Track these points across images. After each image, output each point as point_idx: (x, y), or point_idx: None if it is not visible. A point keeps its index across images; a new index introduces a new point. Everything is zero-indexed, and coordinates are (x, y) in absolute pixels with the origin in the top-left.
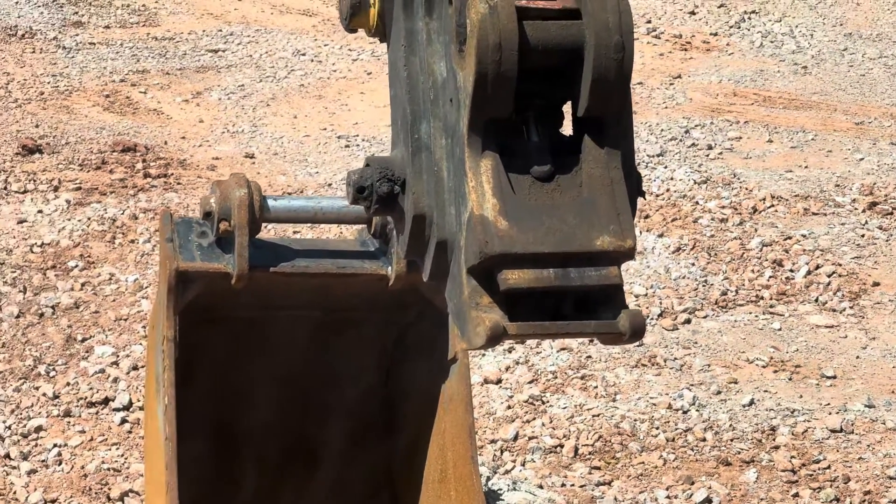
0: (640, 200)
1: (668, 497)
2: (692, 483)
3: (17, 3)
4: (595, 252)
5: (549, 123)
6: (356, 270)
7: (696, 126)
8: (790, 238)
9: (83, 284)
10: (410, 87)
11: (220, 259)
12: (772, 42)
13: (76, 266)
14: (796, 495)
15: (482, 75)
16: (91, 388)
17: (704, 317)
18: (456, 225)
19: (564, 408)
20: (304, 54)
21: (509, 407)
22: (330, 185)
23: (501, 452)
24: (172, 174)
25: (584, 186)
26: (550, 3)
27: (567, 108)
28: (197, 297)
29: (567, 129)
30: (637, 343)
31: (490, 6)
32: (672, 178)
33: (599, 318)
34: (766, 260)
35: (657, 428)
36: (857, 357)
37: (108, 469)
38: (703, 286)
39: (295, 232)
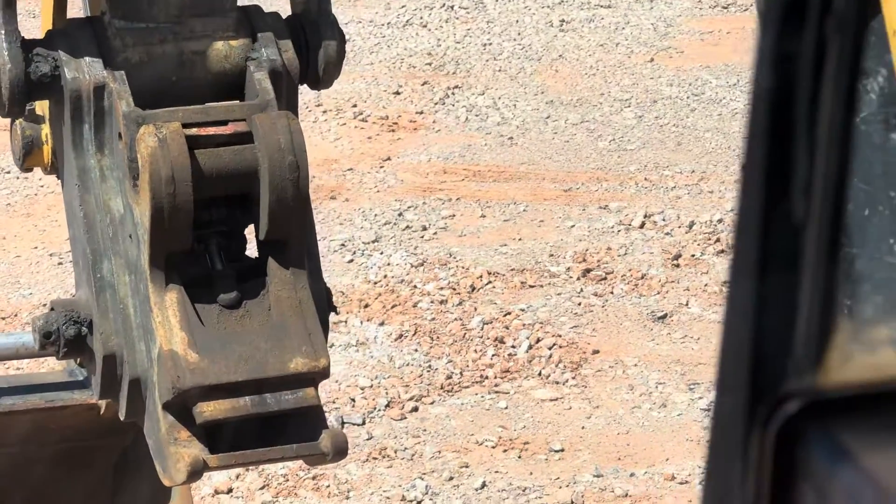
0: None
1: None
2: None
3: None
4: (290, 375)
5: (233, 250)
6: (65, 402)
7: (408, 208)
8: (509, 313)
9: None
10: (88, 226)
11: None
12: (477, 115)
13: None
14: None
15: (158, 210)
16: None
17: (431, 403)
18: (147, 361)
19: None
20: (8, 172)
21: None
22: (44, 305)
23: None
24: None
25: (273, 310)
26: (221, 129)
27: (250, 231)
28: None
29: (252, 250)
30: (366, 438)
31: (160, 139)
32: (389, 264)
33: (300, 441)
34: (488, 338)
35: None
36: (583, 427)
37: None
38: (428, 371)
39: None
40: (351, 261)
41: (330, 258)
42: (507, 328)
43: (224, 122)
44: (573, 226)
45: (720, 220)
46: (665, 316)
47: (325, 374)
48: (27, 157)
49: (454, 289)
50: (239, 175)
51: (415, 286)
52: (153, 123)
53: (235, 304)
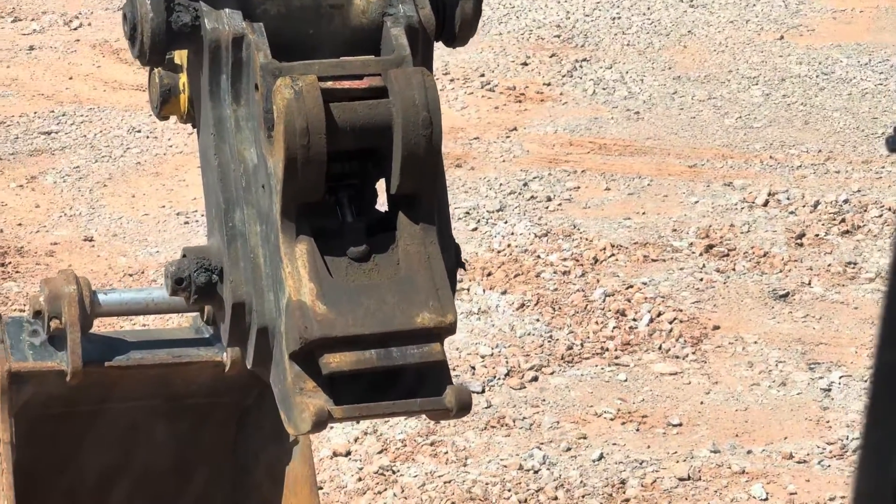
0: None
1: None
2: None
3: None
4: (416, 330)
5: (363, 202)
6: (192, 358)
7: (534, 178)
8: (631, 287)
9: None
10: (222, 175)
11: (53, 357)
12: (604, 89)
13: None
14: None
15: (291, 161)
16: None
17: (551, 373)
18: (275, 311)
19: (415, 476)
20: (139, 131)
21: (360, 479)
22: None
23: None
24: (10, 263)
25: (402, 264)
26: (356, 83)
27: (381, 185)
28: (33, 396)
29: (382, 204)
30: (485, 406)
31: (295, 91)
32: (513, 233)
33: (425, 396)
34: (610, 310)
35: (509, 490)
36: (702, 403)
37: None
38: (549, 342)
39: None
40: (475, 229)
41: (454, 226)
42: (629, 301)
43: (359, 77)
44: (697, 201)
45: (846, 201)
46: (787, 294)
47: (451, 329)
48: (164, 105)
49: (577, 260)
50: (372, 129)
51: (538, 256)
52: (290, 76)
53: (364, 257)
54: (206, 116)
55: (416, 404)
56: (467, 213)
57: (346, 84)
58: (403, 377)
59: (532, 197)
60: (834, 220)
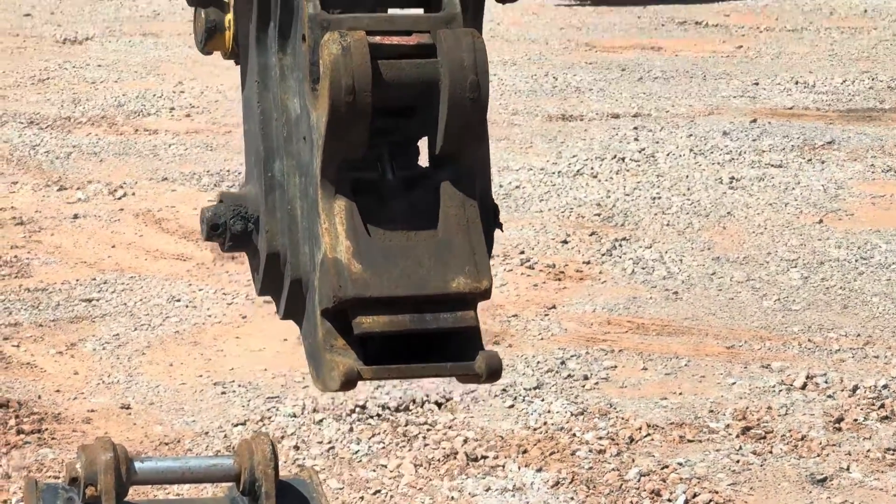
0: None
1: None
2: None
3: None
4: (451, 294)
5: (405, 160)
6: None
7: (571, 357)
8: (667, 467)
9: None
10: (264, 123)
11: None
12: (643, 269)
13: None
14: None
15: (335, 117)
16: None
17: None
18: (310, 265)
19: None
20: (178, 300)
21: None
22: (206, 433)
23: None
24: (47, 429)
25: (440, 226)
26: (405, 39)
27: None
28: None
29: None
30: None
31: (343, 46)
32: (549, 411)
33: (456, 360)
34: (645, 490)
35: None
36: None
37: None
38: None
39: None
40: (511, 406)
41: (491, 402)
42: (664, 481)
43: (408, 33)
44: (734, 383)
45: (885, 386)
46: (825, 479)
47: (486, 295)
48: (209, 41)
49: (613, 439)
50: (419, 88)
51: (574, 434)
52: (338, 30)
53: (403, 216)
54: (252, 63)
55: (446, 368)
56: (504, 390)
57: (395, 40)
58: (435, 340)
59: (569, 375)
60: (873, 405)
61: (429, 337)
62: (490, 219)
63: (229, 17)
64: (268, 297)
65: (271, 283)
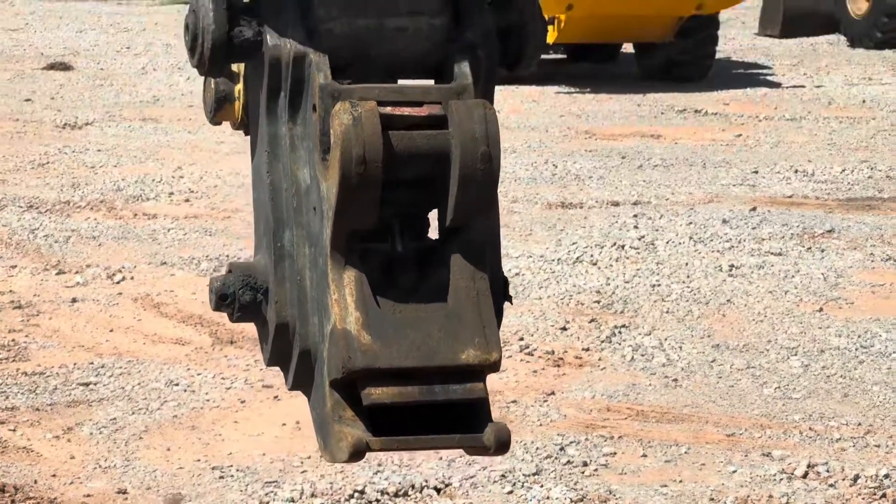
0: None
1: None
2: None
3: None
4: (460, 366)
5: (414, 232)
6: None
7: (570, 443)
8: None
9: None
10: (273, 193)
11: None
12: (642, 356)
13: None
14: None
15: (346, 188)
16: None
17: None
18: (319, 335)
19: None
20: (177, 384)
21: None
22: None
23: None
24: None
25: (450, 298)
26: (416, 110)
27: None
28: None
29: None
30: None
31: (354, 117)
32: (548, 498)
33: (464, 432)
34: None
35: None
36: None
37: None
38: None
39: None
40: (510, 492)
41: (490, 489)
42: None
43: (419, 104)
44: (735, 471)
45: (886, 476)
46: None
47: (495, 367)
48: (218, 111)
49: None
50: (429, 159)
51: None
52: (349, 100)
53: (413, 288)
54: (262, 132)
55: (454, 440)
56: (503, 475)
57: (406, 111)
58: (444, 412)
59: (568, 461)
60: (874, 494)
61: (438, 409)
62: (500, 290)
63: (239, 87)
64: (267, 382)
65: (280, 354)
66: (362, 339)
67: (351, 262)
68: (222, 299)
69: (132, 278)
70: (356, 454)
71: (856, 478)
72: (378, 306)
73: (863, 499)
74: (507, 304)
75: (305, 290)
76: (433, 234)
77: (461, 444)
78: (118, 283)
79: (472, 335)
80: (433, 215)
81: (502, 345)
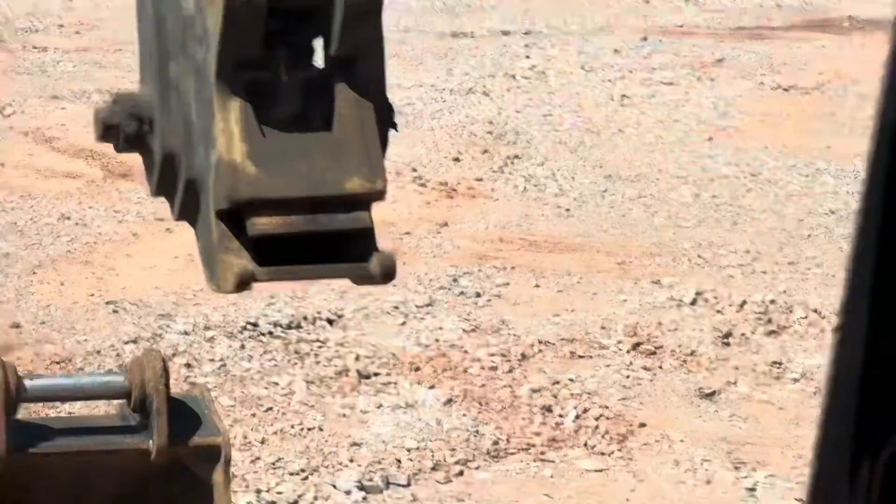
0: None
1: None
2: None
3: None
4: (345, 195)
5: (300, 62)
6: (117, 446)
7: (463, 274)
8: (558, 383)
9: None
10: (158, 25)
11: None
12: (535, 186)
13: None
14: None
15: (230, 16)
16: None
17: (477, 468)
18: (205, 164)
19: None
20: (69, 218)
21: None
22: (98, 352)
23: None
24: None
25: (335, 127)
26: None
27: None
28: None
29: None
30: (411, 500)
31: None
32: (441, 328)
33: (351, 261)
34: (536, 406)
35: None
36: (626, 500)
37: None
38: (475, 437)
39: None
40: (403, 323)
41: (382, 319)
42: (556, 397)
43: None
44: (625, 299)
45: (772, 301)
46: (713, 393)
47: (380, 196)
48: None
49: (505, 356)
50: None
51: (466, 352)
52: None
53: (298, 117)
54: None
55: (341, 269)
56: (396, 307)
57: None
58: (330, 243)
59: (461, 293)
60: (760, 319)
61: (323, 239)
62: (384, 118)
63: None
64: (159, 215)
65: (166, 184)
66: (248, 169)
67: (236, 92)
68: (107, 129)
69: (22, 112)
70: (242, 284)
71: (742, 303)
72: (263, 136)
73: (749, 324)
74: (392, 131)
75: (191, 121)
76: (319, 63)
77: (347, 273)
78: (8, 116)
79: (357, 164)
80: (319, 44)
81: (395, 175)
